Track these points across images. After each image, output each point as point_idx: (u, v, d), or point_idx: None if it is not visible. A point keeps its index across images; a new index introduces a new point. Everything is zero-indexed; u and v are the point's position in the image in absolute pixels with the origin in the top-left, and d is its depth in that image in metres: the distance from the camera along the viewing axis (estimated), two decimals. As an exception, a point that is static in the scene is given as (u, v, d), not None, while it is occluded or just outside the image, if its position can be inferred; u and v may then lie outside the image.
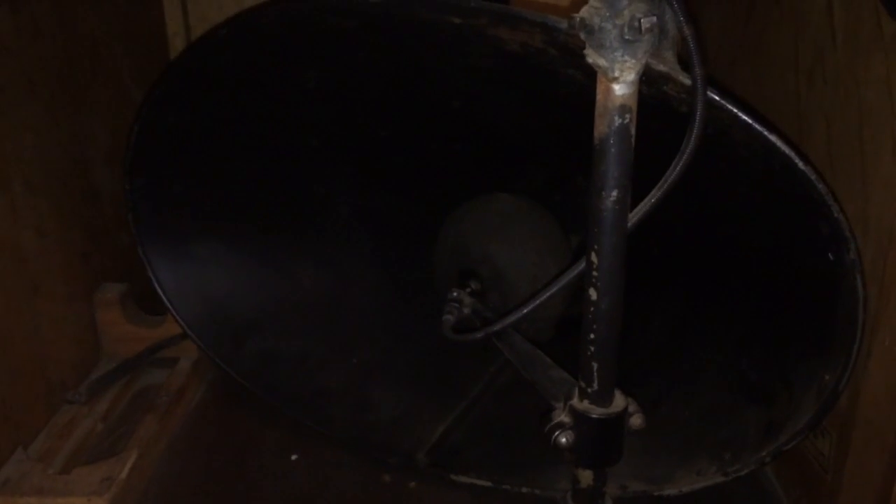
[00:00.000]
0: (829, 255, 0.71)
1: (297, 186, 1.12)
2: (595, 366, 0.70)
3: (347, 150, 1.11)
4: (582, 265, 0.72)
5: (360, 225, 1.18)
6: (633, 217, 0.69)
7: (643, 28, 0.59)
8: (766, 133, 0.66)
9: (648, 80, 0.66)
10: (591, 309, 0.68)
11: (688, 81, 0.66)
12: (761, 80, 1.05)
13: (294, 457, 1.06)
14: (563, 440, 0.74)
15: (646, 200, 0.71)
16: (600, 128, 0.61)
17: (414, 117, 1.05)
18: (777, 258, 0.82)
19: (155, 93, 0.96)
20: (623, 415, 0.73)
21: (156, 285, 1.05)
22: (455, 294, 1.04)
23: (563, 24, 0.69)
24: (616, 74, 0.60)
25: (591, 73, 0.63)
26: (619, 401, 0.74)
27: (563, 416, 0.75)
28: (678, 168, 0.68)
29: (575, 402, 0.74)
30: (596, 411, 0.72)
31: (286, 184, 1.11)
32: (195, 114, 0.98)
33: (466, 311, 1.02)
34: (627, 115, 0.60)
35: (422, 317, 1.16)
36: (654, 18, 0.59)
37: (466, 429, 1.08)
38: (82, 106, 1.17)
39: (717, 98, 0.66)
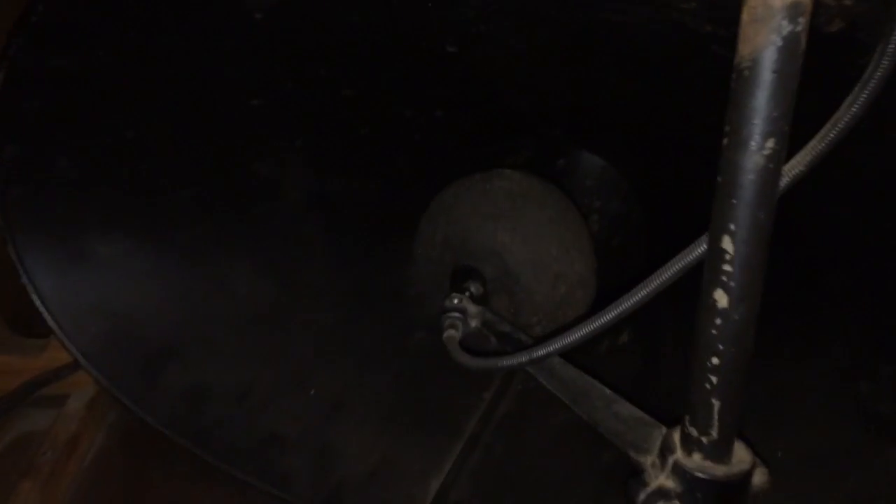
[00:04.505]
0: None
1: (232, 163, 0.94)
2: (717, 405, 0.55)
3: (300, 115, 0.94)
4: (691, 257, 0.57)
5: (314, 215, 1.02)
6: (786, 176, 0.53)
7: None
8: None
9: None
10: (717, 321, 0.53)
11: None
12: None
13: (236, 532, 0.93)
14: (669, 515, 0.60)
15: (806, 149, 0.54)
16: (754, 39, 0.46)
17: (390, 70, 0.90)
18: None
19: (29, 23, 0.76)
20: (750, 475, 0.59)
21: (35, 297, 0.87)
22: (456, 301, 0.84)
23: None
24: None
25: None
26: (741, 454, 0.59)
27: (662, 479, 0.60)
28: (861, 99, 0.51)
29: (680, 456, 0.59)
30: (717, 470, 0.57)
31: (217, 159, 0.92)
32: (91, 54, 0.79)
33: (474, 323, 0.84)
34: (800, 20, 0.45)
35: (395, 333, 1.04)
36: None
37: (470, 480, 0.93)
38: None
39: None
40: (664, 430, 0.65)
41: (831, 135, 0.52)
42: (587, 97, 0.89)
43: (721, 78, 0.66)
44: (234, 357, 0.99)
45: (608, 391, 0.71)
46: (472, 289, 0.89)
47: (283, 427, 0.97)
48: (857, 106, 0.51)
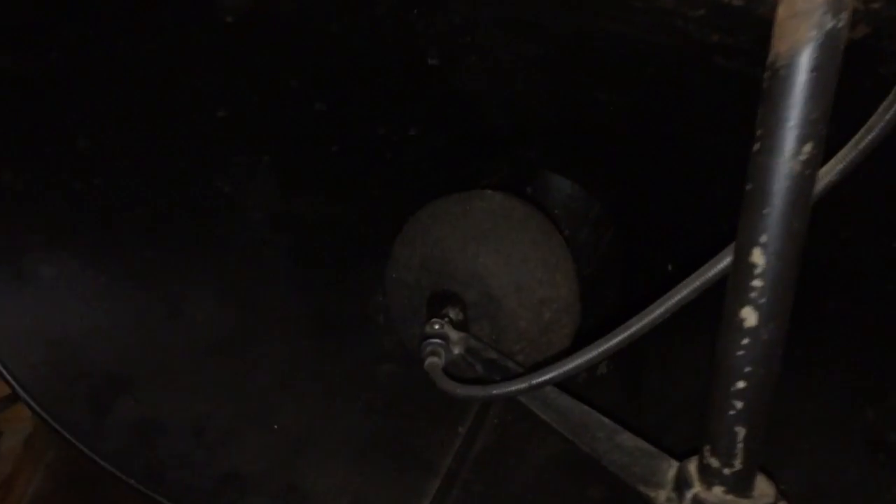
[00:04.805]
0: None
1: (193, 178, 0.90)
2: (741, 433, 0.52)
3: (267, 129, 0.91)
4: (712, 272, 0.54)
5: (279, 237, 0.97)
6: (820, 184, 0.50)
7: None
8: None
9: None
10: (744, 341, 0.50)
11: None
12: None
13: (191, 581, 0.84)
14: (692, 559, 0.56)
15: (838, 157, 0.51)
16: (793, 35, 0.43)
17: (365, 84, 0.86)
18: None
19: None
20: (776, 508, 0.56)
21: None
22: (437, 327, 0.80)
23: None
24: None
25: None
26: (763, 486, 0.55)
27: (679, 516, 0.57)
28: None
29: (699, 490, 0.55)
30: (740, 505, 0.54)
31: (177, 174, 0.89)
32: (42, 56, 0.76)
33: (457, 350, 0.79)
34: (843, 15, 0.42)
35: (364, 363, 0.98)
36: None
37: (450, 522, 0.88)
38: None
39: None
40: (672, 462, 0.61)
41: (864, 142, 0.49)
42: (570, 115, 0.86)
43: (721, 92, 0.64)
44: (190, 389, 0.93)
45: (609, 421, 0.66)
46: (452, 314, 0.85)
47: (243, 465, 0.91)
48: (892, 112, 0.48)
